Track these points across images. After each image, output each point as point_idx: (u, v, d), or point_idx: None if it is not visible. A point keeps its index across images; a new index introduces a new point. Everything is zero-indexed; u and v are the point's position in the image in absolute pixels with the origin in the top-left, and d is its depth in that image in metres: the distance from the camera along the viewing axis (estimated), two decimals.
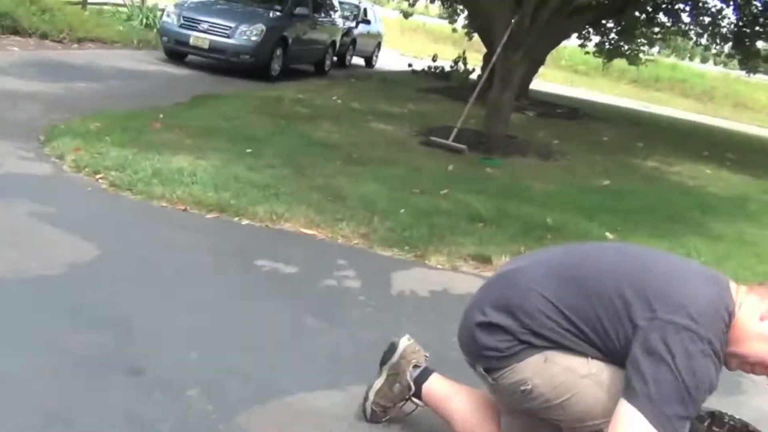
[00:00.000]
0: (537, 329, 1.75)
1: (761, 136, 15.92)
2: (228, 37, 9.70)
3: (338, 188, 4.67)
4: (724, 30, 14.06)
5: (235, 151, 5.13)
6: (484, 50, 11.47)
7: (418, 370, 2.12)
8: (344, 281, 3.28)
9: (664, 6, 13.80)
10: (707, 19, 14.01)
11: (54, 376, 2.14)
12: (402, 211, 4.37)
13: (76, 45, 10.14)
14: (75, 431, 1.93)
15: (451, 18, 14.85)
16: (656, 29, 15.06)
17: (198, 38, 9.66)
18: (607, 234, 4.57)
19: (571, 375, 1.72)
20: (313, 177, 4.85)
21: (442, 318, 3.01)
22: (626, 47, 15.40)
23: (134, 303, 2.70)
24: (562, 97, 15.26)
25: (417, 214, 4.34)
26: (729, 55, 15.17)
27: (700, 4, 13.65)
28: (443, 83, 13.40)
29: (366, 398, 2.16)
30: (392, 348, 2.16)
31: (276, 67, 10.32)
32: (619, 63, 17.68)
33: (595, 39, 15.58)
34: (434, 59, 15.15)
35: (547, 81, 17.88)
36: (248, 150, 5.22)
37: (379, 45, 17.04)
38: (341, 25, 13.64)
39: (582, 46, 16.07)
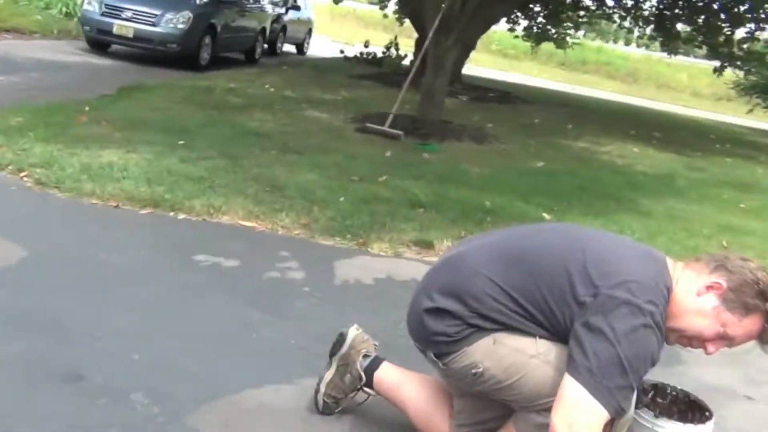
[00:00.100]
0: (485, 312, 1.76)
1: (684, 114, 16.52)
2: (153, 25, 9.40)
3: (275, 178, 4.60)
4: (646, 13, 14.49)
5: (166, 143, 4.99)
6: (416, 36, 11.48)
7: (368, 360, 2.11)
8: (287, 273, 3.23)
9: None
10: (630, 3, 14.42)
11: None
12: (342, 199, 4.34)
13: None
14: None
15: (382, 3, 14.79)
16: (581, 13, 15.41)
17: (122, 27, 9.33)
18: (544, 215, 4.66)
19: (520, 356, 1.74)
20: (248, 168, 4.76)
21: (388, 305, 3.01)
22: (553, 31, 15.72)
23: (68, 306, 2.59)
24: (494, 81, 15.46)
25: (357, 202, 4.32)
26: (651, 38, 15.66)
27: None
28: (376, 69, 13.36)
29: (317, 390, 2.13)
30: (341, 338, 2.14)
31: (205, 55, 10.08)
32: (547, 47, 18.03)
33: (524, 23, 15.82)
34: (366, 45, 15.08)
35: (478, 65, 18.07)
36: (180, 142, 5.08)
37: (309, 31, 16.85)
38: (271, 11, 13.40)
39: (511, 30, 16.30)
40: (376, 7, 16.96)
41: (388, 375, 2.09)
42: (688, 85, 26.60)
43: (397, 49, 14.51)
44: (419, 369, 2.13)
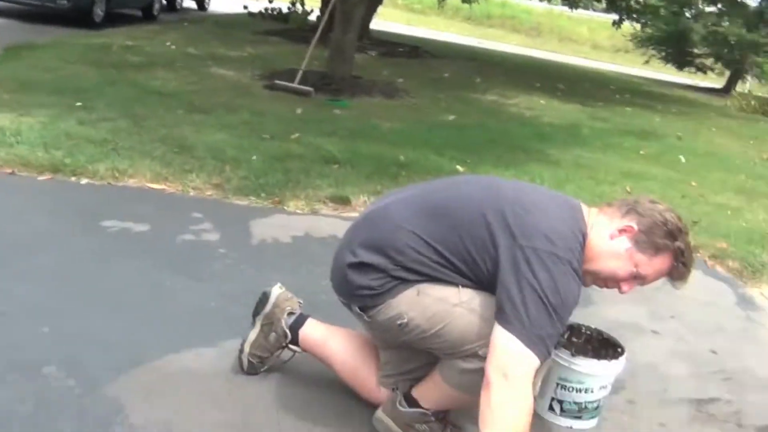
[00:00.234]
0: (408, 265, 1.76)
1: (585, 66, 17.01)
2: None
3: (183, 138, 4.44)
4: None
5: (62, 105, 4.71)
6: None
7: (292, 318, 2.09)
8: (202, 235, 3.14)
9: None
10: None
11: None
12: (254, 158, 4.24)
13: None
14: None
15: None
16: None
17: None
18: (458, 167, 4.72)
19: (443, 305, 1.76)
20: (154, 128, 4.57)
21: (308, 263, 2.99)
22: None
23: None
24: (402, 36, 15.39)
25: (270, 160, 4.24)
26: None
27: None
28: (282, 25, 13.03)
29: (241, 351, 2.10)
30: (264, 298, 2.11)
31: (99, 12, 9.55)
32: (454, 1, 18.06)
33: None
34: (270, 1, 14.66)
35: (386, 20, 17.93)
36: (78, 103, 4.82)
37: None
38: None
39: None
40: None
41: (313, 331, 2.08)
42: (588, 38, 27.37)
43: (302, 5, 14.18)
44: (343, 324, 2.13)
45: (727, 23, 14.77)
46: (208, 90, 6.26)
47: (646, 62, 18.04)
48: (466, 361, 1.75)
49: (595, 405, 2.10)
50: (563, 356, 2.02)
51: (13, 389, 1.89)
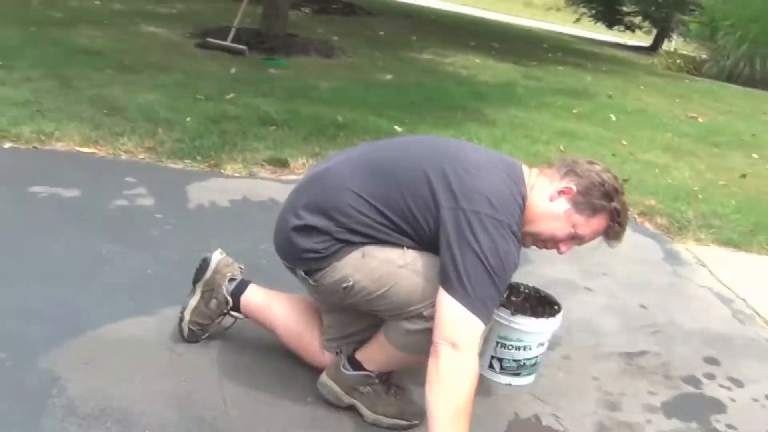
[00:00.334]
0: (352, 226, 1.76)
1: (518, 25, 17.11)
2: None
3: (113, 100, 4.28)
4: None
5: None
6: None
7: (234, 283, 2.06)
8: (136, 200, 3.06)
9: None
10: None
11: None
12: (188, 119, 4.13)
13: None
14: None
15: None
16: None
17: None
18: (396, 127, 4.71)
19: (389, 266, 1.77)
20: (81, 89, 4.38)
21: (247, 227, 2.95)
22: None
23: None
24: None
25: (205, 122, 4.13)
26: None
27: None
28: None
29: (181, 318, 2.07)
30: (205, 264, 2.08)
31: None
32: None
33: None
34: None
35: None
36: None
37: None
38: None
39: None
40: None
41: (255, 297, 2.06)
42: None
43: None
44: (285, 289, 2.13)
45: None
46: (137, 48, 6.02)
47: (577, 20, 18.26)
48: (411, 322, 1.77)
49: (533, 362, 2.17)
50: (503, 315, 2.07)
51: None
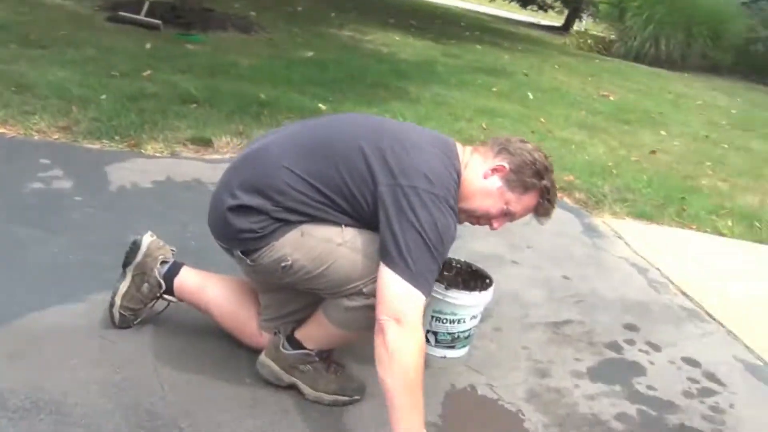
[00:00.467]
0: (289, 205, 1.75)
1: (435, 2, 17.22)
2: None
3: (21, 76, 4.06)
4: None
5: None
6: None
7: (166, 266, 2.01)
8: (53, 182, 2.92)
9: None
10: None
11: None
12: (103, 97, 3.97)
13: None
14: None
15: None
16: None
17: None
18: (320, 105, 4.67)
19: (328, 245, 1.77)
20: None
21: (173, 208, 2.88)
22: None
23: None
24: None
25: (121, 100, 3.98)
26: None
27: None
28: None
29: (112, 304, 2.00)
30: (135, 247, 2.01)
31: None
32: None
33: None
34: None
35: None
36: None
37: None
38: None
39: None
40: None
41: (188, 279, 2.02)
42: None
43: None
44: (217, 270, 2.09)
45: None
46: (43, 21, 5.72)
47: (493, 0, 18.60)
48: (351, 299, 1.78)
49: (467, 334, 2.23)
50: (438, 290, 2.11)
51: None
